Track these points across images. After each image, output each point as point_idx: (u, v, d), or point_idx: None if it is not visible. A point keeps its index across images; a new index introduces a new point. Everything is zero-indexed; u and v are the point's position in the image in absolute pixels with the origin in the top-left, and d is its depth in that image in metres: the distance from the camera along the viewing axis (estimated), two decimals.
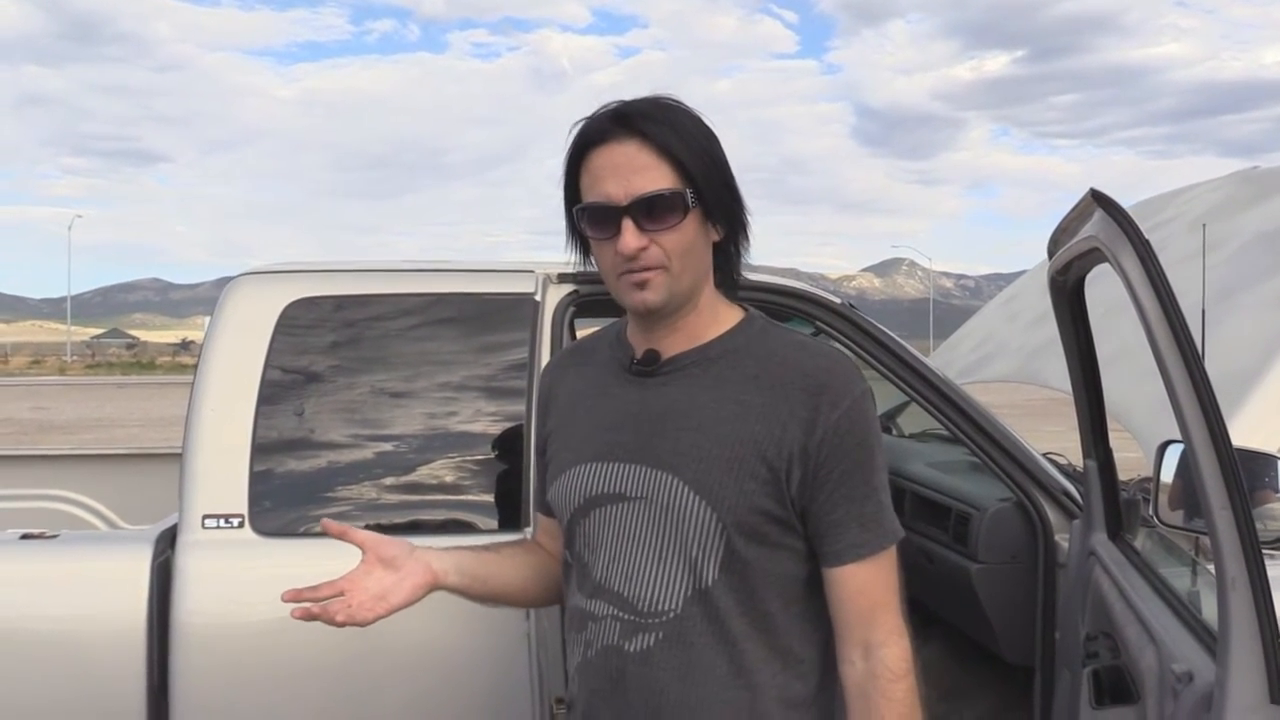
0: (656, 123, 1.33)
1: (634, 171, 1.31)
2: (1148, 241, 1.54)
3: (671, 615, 1.35)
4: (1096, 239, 1.70)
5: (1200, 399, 1.45)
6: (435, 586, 1.46)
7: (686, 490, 1.33)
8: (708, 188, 1.34)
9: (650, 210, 1.31)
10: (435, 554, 1.47)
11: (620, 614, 1.38)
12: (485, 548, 1.57)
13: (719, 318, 1.43)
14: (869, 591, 1.35)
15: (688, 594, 1.35)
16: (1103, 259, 1.73)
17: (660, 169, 1.32)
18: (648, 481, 1.36)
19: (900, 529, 1.39)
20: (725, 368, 1.39)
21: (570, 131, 1.38)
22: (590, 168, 1.35)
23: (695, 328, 1.41)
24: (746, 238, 1.44)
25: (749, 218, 1.43)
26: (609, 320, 1.59)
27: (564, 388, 1.53)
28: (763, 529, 1.34)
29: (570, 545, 1.46)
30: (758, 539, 1.34)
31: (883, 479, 1.38)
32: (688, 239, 1.34)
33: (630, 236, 1.31)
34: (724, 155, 1.38)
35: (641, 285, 1.34)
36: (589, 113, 1.38)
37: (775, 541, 1.35)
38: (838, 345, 2.56)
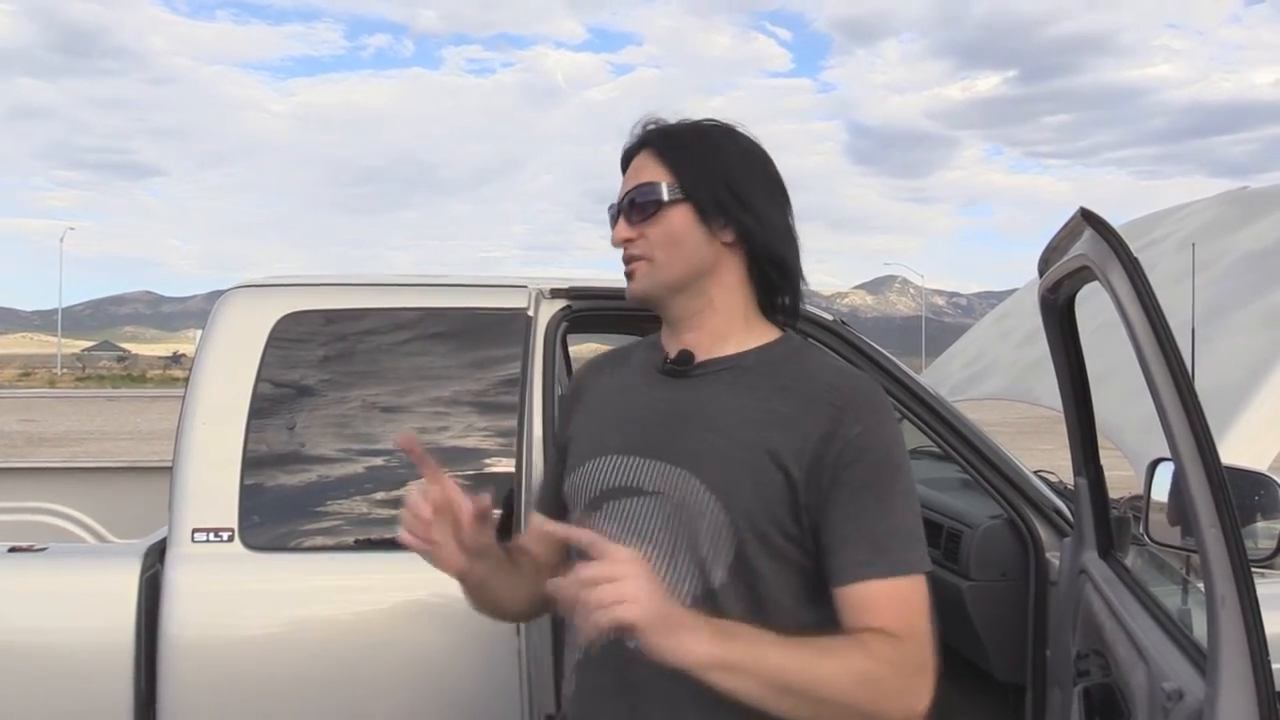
0: (662, 132, 1.44)
1: (634, 176, 1.43)
2: (1137, 260, 1.55)
3: None
4: (1086, 257, 1.71)
5: (1189, 417, 1.46)
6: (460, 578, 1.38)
7: (702, 488, 1.33)
8: (697, 184, 1.40)
9: (633, 203, 1.41)
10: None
11: None
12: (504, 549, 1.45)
13: (753, 329, 1.44)
14: (873, 614, 1.26)
15: (695, 594, 1.33)
16: (1092, 277, 1.73)
17: (653, 168, 1.42)
18: (664, 477, 1.36)
19: (927, 564, 1.30)
20: (757, 377, 1.40)
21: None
22: None
23: (719, 329, 1.42)
24: (786, 258, 1.42)
25: (761, 224, 1.40)
26: (602, 336, 1.59)
27: (593, 387, 1.54)
28: (774, 539, 1.32)
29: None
30: (769, 549, 1.32)
31: (906, 505, 1.32)
32: (670, 230, 1.40)
33: (618, 229, 1.42)
34: (736, 159, 1.42)
35: (630, 276, 1.43)
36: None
37: (787, 557, 1.33)
38: None
